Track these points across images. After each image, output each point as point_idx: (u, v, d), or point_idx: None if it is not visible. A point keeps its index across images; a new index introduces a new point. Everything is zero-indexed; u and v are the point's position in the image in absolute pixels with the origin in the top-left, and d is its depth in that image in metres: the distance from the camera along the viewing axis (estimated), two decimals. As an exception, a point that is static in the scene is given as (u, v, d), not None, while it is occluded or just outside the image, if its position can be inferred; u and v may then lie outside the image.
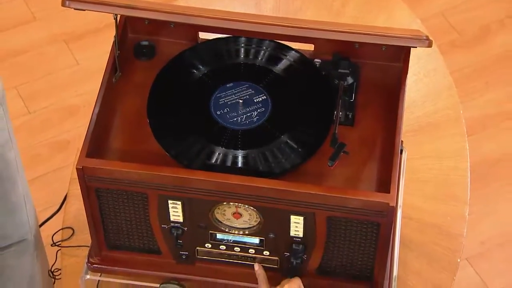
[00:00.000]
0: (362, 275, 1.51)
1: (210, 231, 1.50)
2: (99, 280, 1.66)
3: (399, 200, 1.66)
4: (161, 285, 1.56)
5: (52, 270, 1.90)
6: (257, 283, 1.53)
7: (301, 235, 1.46)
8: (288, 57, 1.55)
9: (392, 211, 1.38)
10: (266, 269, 1.54)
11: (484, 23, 2.86)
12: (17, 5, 2.89)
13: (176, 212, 1.46)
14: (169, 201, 1.44)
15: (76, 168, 1.41)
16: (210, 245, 1.53)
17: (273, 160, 1.44)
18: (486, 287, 2.37)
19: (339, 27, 1.44)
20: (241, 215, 1.46)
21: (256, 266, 1.50)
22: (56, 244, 1.78)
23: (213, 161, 1.44)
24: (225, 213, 1.46)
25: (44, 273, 1.85)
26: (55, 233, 1.81)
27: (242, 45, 1.57)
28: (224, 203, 1.44)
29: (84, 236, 1.73)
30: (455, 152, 1.86)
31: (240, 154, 1.45)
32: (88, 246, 1.59)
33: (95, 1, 1.42)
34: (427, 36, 1.43)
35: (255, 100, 1.50)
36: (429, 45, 1.42)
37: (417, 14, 2.11)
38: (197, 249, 1.54)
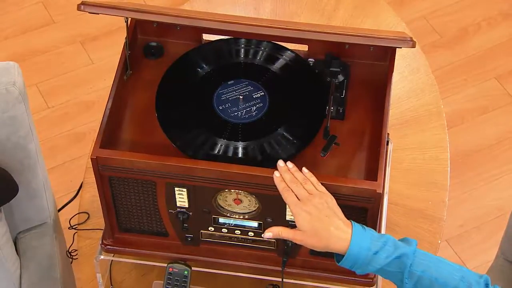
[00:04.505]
0: (351, 255, 1.51)
1: (213, 216, 1.49)
2: (111, 260, 1.65)
3: (386, 187, 1.65)
4: (169, 265, 1.55)
5: (69, 250, 1.90)
6: (255, 263, 1.53)
7: (296, 219, 1.45)
8: (284, 56, 1.54)
9: (379, 197, 1.37)
10: (263, 250, 1.53)
11: (462, 26, 2.85)
12: (37, 9, 2.88)
13: (182, 198, 1.46)
14: (176, 188, 1.44)
15: (91, 158, 1.40)
16: (213, 229, 1.52)
17: (271, 151, 1.43)
18: (464, 265, 2.36)
19: (331, 29, 1.43)
20: (241, 201, 1.45)
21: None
22: (73, 227, 1.77)
23: (216, 151, 1.43)
24: (227, 199, 1.45)
25: (62, 254, 1.85)
26: (72, 217, 1.81)
27: (242, 45, 1.56)
28: (226, 190, 1.43)
29: (98, 220, 1.72)
30: (436, 144, 1.85)
31: (240, 146, 1.44)
32: (102, 229, 1.58)
33: (108, 6, 1.41)
34: (411, 38, 1.42)
35: (254, 96, 1.49)
36: (413, 45, 1.41)
37: (401, 17, 2.10)
38: (201, 232, 1.53)
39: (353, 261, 1.30)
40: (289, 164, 1.38)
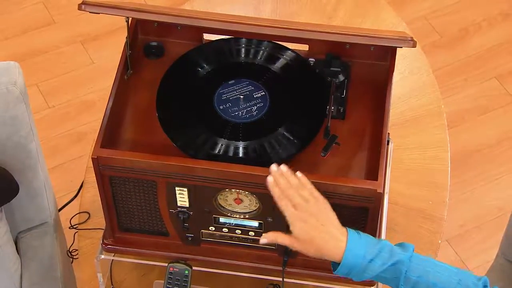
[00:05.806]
0: (352, 255, 1.50)
1: (214, 215, 1.49)
2: (112, 260, 1.65)
3: (386, 187, 1.65)
4: (169, 264, 1.55)
5: (70, 250, 1.90)
6: (256, 262, 1.53)
7: (296, 219, 1.45)
8: (285, 56, 1.54)
9: (380, 197, 1.37)
10: (264, 249, 1.53)
11: (462, 26, 2.85)
12: (38, 9, 2.88)
13: (182, 198, 1.45)
14: (176, 188, 1.43)
15: (92, 158, 1.40)
16: (213, 228, 1.52)
17: (271, 150, 1.43)
18: (464, 265, 2.36)
19: (332, 29, 1.43)
20: (241, 200, 1.45)
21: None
22: (74, 227, 1.77)
23: (216, 151, 1.43)
24: (227, 199, 1.45)
25: (63, 253, 1.85)
26: (72, 217, 1.81)
27: (243, 45, 1.56)
28: (226, 189, 1.43)
29: (99, 220, 1.72)
30: (437, 143, 1.85)
31: (241, 145, 1.44)
32: (102, 229, 1.58)
33: (109, 5, 1.41)
34: (411, 37, 1.42)
35: (254, 96, 1.49)
36: (414, 45, 1.41)
37: (402, 17, 2.10)
38: (202, 232, 1.53)
39: (349, 269, 1.29)
40: (283, 167, 1.35)
